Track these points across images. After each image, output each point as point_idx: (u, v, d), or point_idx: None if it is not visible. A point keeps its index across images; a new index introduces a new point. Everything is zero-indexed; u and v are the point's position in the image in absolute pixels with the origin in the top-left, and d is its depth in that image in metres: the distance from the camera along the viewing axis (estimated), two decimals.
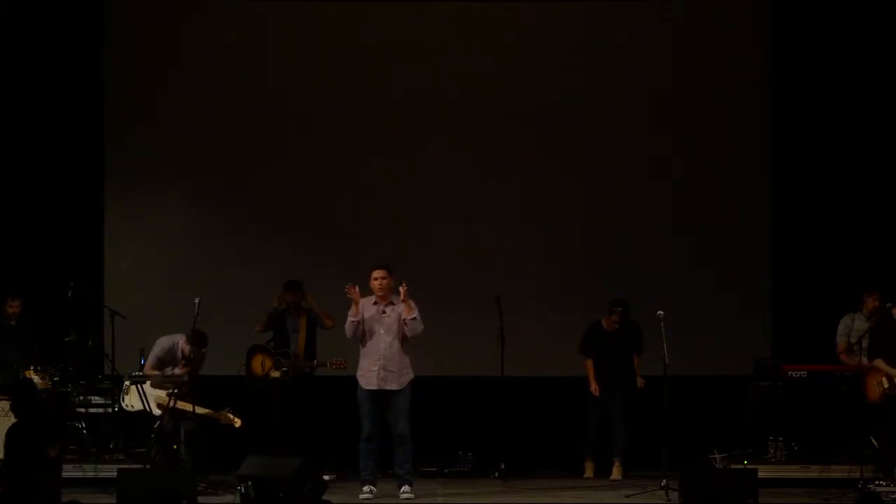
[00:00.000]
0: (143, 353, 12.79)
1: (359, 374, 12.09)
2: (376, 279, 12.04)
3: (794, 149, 14.40)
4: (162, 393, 12.32)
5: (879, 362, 12.14)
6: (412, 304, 11.97)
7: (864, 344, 12.48)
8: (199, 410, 12.17)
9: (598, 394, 13.29)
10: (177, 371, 12.43)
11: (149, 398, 12.39)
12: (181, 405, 12.11)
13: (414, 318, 11.95)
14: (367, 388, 11.98)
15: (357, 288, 11.99)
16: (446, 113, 14.52)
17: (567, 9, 14.59)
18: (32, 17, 14.38)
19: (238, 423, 12.29)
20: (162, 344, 12.55)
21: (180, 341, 12.46)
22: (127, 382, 12.53)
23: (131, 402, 12.50)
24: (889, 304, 12.21)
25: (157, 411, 12.28)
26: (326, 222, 14.49)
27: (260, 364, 13.22)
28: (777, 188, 14.47)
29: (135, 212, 14.58)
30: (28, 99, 14.42)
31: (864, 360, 12.38)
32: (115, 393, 13.16)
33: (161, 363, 12.50)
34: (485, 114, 14.51)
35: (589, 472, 13.38)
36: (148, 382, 12.39)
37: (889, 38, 14.24)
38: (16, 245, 14.31)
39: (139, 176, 14.58)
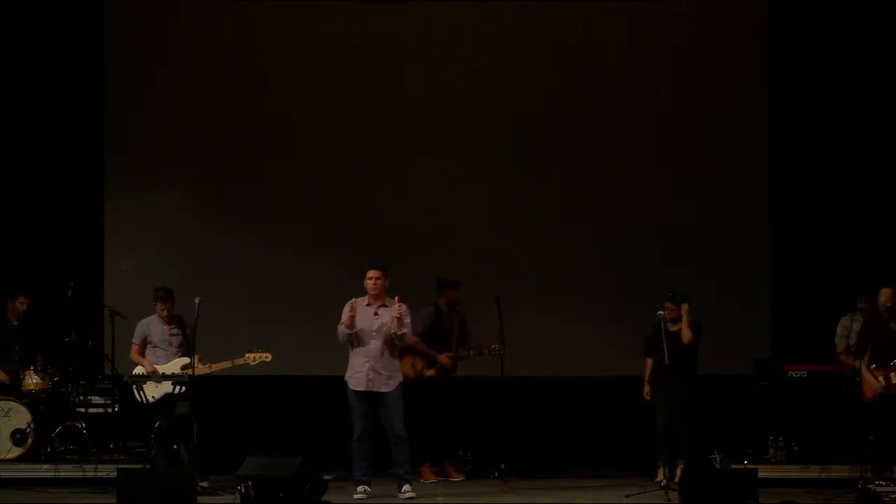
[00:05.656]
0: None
1: (348, 374, 12.04)
2: (371, 279, 12.01)
3: (794, 149, 14.41)
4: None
5: (863, 368, 12.08)
6: (405, 320, 11.90)
7: None
8: (220, 366, 12.37)
9: (649, 397, 12.82)
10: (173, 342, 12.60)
11: (147, 392, 12.46)
12: (201, 369, 12.32)
13: (403, 334, 11.91)
14: (356, 389, 11.96)
15: (356, 305, 11.95)
16: (446, 112, 14.51)
17: (567, 9, 14.59)
18: (32, 17, 14.38)
19: (269, 356, 12.37)
20: (137, 331, 12.68)
21: (155, 317, 12.63)
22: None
23: (149, 393, 12.49)
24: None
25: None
26: (326, 222, 14.48)
27: (411, 365, 12.93)
28: (777, 188, 14.46)
29: (135, 212, 14.58)
30: (28, 100, 14.42)
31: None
32: (115, 393, 13.18)
33: (144, 344, 12.63)
34: (485, 113, 14.51)
35: (660, 476, 12.64)
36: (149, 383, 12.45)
37: (889, 39, 14.24)
38: (16, 245, 14.31)
39: (139, 176, 14.58)
